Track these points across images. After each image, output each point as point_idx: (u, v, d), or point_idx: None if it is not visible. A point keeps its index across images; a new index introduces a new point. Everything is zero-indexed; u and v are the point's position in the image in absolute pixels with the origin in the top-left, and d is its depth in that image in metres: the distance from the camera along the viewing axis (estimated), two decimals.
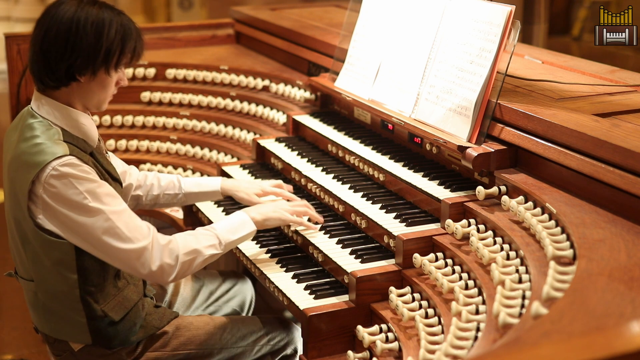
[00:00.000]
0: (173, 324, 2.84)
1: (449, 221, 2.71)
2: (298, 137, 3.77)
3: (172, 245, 2.62)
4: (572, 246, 2.23)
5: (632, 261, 2.06)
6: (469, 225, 2.69)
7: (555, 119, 2.62)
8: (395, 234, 2.76)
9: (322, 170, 3.34)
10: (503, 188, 2.72)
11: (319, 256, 2.91)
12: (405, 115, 3.17)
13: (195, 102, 4.32)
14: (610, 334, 1.50)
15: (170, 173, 4.01)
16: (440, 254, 2.68)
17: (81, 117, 2.60)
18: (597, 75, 3.26)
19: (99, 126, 4.27)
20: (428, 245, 2.73)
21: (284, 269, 2.91)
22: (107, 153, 2.82)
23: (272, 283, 2.84)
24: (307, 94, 3.93)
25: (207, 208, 3.45)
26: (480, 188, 2.74)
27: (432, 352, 2.28)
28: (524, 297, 2.15)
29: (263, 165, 3.70)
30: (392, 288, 2.66)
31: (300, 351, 2.76)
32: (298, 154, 3.54)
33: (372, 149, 3.33)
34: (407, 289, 2.66)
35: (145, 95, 4.40)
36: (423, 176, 3.03)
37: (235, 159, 3.99)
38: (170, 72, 4.45)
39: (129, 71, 4.36)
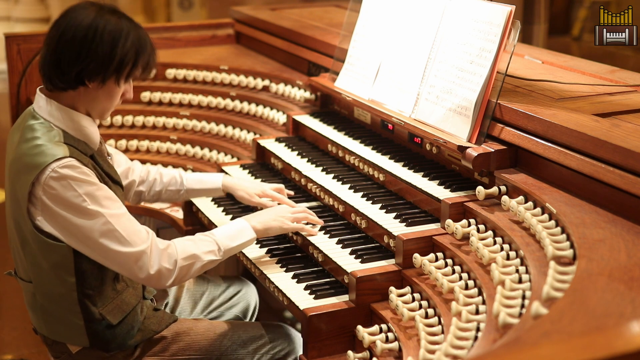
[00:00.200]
0: (172, 328, 2.82)
1: (449, 221, 2.71)
2: (298, 137, 3.77)
3: (170, 250, 2.61)
4: (572, 246, 2.23)
5: (632, 261, 2.06)
6: (469, 225, 2.69)
7: (555, 119, 2.62)
8: (395, 234, 2.76)
9: (322, 170, 3.34)
10: (503, 188, 2.72)
11: (319, 256, 2.91)
12: (405, 115, 3.17)
13: (195, 102, 4.32)
14: (610, 334, 1.50)
15: None
16: (440, 254, 2.68)
17: (83, 119, 2.60)
18: (597, 75, 3.26)
19: (99, 126, 4.26)
20: (428, 245, 2.73)
21: (284, 269, 2.91)
22: (109, 156, 2.81)
23: (272, 283, 2.84)
24: (307, 94, 3.93)
25: (207, 208, 3.45)
26: (480, 188, 2.74)
27: (432, 352, 2.28)
28: (524, 297, 2.15)
29: (263, 165, 3.70)
30: (392, 288, 2.66)
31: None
32: (298, 154, 3.54)
33: (372, 149, 3.33)
34: (407, 289, 2.66)
35: (145, 95, 4.40)
36: (423, 176, 3.03)
37: (235, 159, 3.99)
38: (170, 72, 4.45)
39: None
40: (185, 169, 4.12)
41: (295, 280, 2.84)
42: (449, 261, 2.65)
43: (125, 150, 4.26)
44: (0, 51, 5.69)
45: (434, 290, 2.57)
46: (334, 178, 3.26)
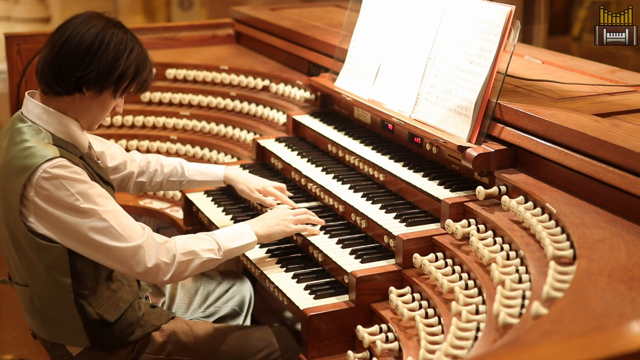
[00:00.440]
0: (171, 327, 2.82)
1: (449, 221, 2.71)
2: (298, 137, 3.77)
3: (168, 245, 2.62)
4: (572, 246, 2.23)
5: (632, 261, 2.06)
6: (469, 225, 2.69)
7: (555, 119, 2.62)
8: (395, 234, 2.76)
9: (322, 170, 3.34)
10: (503, 188, 2.72)
11: (319, 256, 2.91)
12: (405, 115, 3.17)
13: (195, 102, 4.32)
14: (610, 334, 1.50)
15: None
16: (440, 254, 2.68)
17: (72, 124, 2.60)
18: (597, 75, 3.26)
19: (100, 126, 4.26)
20: (428, 245, 2.73)
21: (284, 269, 2.91)
22: (98, 160, 2.82)
23: (272, 283, 2.84)
24: (307, 94, 3.93)
25: (207, 208, 3.45)
26: (480, 188, 2.74)
27: (432, 352, 2.28)
28: (524, 297, 2.15)
29: (263, 165, 3.70)
30: (392, 288, 2.66)
31: None
32: (298, 154, 3.54)
33: (372, 149, 3.33)
34: (407, 289, 2.66)
35: (145, 95, 4.40)
36: (423, 176, 3.03)
37: (235, 159, 3.99)
38: (170, 72, 4.45)
39: None
40: None
41: (295, 280, 2.84)
42: (449, 261, 2.65)
43: (125, 150, 4.25)
44: (0, 51, 5.68)
45: (434, 290, 2.57)
46: (334, 178, 3.26)
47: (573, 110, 2.74)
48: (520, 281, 2.26)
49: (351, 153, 3.34)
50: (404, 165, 3.14)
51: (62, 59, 2.52)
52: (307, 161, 3.46)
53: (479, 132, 2.85)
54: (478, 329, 2.23)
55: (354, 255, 2.82)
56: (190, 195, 3.56)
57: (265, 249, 3.03)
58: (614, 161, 2.38)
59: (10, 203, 2.52)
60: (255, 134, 4.03)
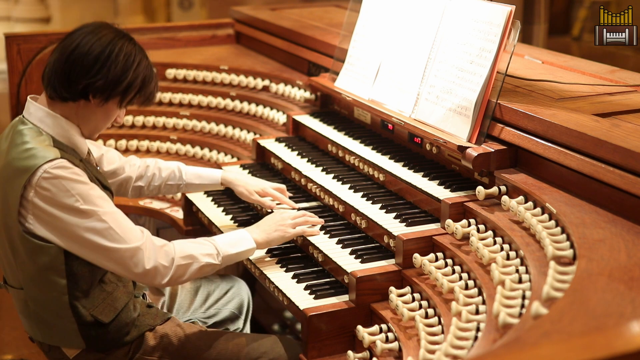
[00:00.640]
0: (165, 330, 2.80)
1: (449, 221, 2.71)
2: (298, 137, 3.77)
3: (167, 248, 2.62)
4: (572, 246, 2.23)
5: (632, 261, 2.06)
6: (469, 225, 2.69)
7: (555, 119, 2.62)
8: (395, 234, 2.76)
9: (322, 170, 3.34)
10: (503, 188, 2.72)
11: (319, 256, 2.91)
12: (405, 115, 3.17)
13: (195, 102, 4.33)
14: (610, 334, 1.50)
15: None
16: (440, 254, 2.68)
17: (73, 129, 2.61)
18: (597, 75, 3.26)
19: None
20: (428, 245, 2.73)
21: (284, 269, 2.91)
22: (97, 166, 2.82)
23: (272, 283, 2.83)
24: (307, 94, 3.93)
25: (207, 208, 3.45)
26: (480, 188, 2.74)
27: (432, 352, 2.28)
28: (524, 297, 2.15)
29: (263, 165, 3.70)
30: (392, 288, 2.66)
31: None
32: (298, 154, 3.54)
33: (372, 149, 3.33)
34: (407, 289, 2.66)
35: None
36: (423, 176, 3.03)
37: (235, 159, 3.99)
38: (170, 72, 4.45)
39: None
40: None
41: (295, 280, 2.84)
42: (449, 261, 2.65)
43: (125, 150, 4.26)
44: (0, 51, 5.68)
45: (434, 290, 2.57)
46: (334, 178, 3.26)
47: (573, 110, 2.74)
48: (520, 281, 2.26)
49: (351, 153, 3.34)
50: (404, 165, 3.14)
51: (72, 65, 2.54)
52: (307, 161, 3.46)
53: (479, 132, 2.85)
54: (478, 329, 2.23)
55: (354, 255, 2.82)
56: (190, 196, 3.56)
57: (265, 249, 3.03)
58: (614, 161, 2.38)
59: (9, 204, 2.51)
60: (255, 134, 4.03)
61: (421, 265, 2.65)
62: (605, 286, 1.91)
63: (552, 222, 2.43)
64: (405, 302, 2.58)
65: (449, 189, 2.88)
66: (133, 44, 2.63)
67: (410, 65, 3.22)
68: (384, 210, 2.95)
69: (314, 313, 2.63)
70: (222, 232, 3.20)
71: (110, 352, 2.71)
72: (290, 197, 3.26)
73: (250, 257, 2.98)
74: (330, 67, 3.79)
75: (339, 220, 3.10)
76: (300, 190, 3.37)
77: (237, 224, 3.28)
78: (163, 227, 4.15)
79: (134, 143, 4.27)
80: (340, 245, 2.90)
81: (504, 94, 2.89)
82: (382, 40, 3.43)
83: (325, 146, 3.56)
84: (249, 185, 3.22)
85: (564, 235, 2.32)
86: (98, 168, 2.81)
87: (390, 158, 3.22)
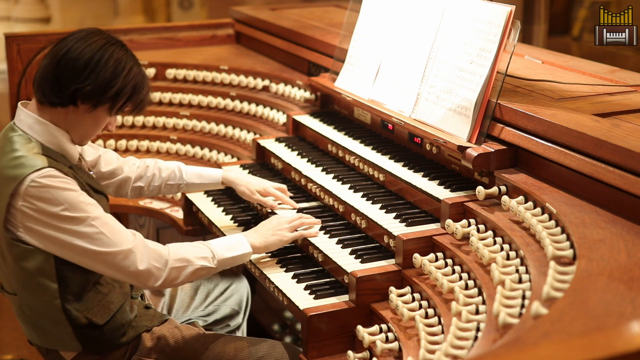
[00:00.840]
0: (162, 331, 2.80)
1: (449, 221, 2.71)
2: (298, 137, 3.77)
3: (161, 251, 2.60)
4: (572, 246, 2.23)
5: (632, 261, 2.06)
6: (469, 225, 2.69)
7: (555, 119, 2.62)
8: (395, 234, 2.76)
9: (322, 170, 3.34)
10: (503, 188, 2.72)
11: (319, 256, 2.91)
12: (405, 115, 3.17)
13: (195, 102, 4.33)
14: (610, 334, 1.50)
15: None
16: (440, 254, 2.68)
17: (62, 135, 2.60)
18: (597, 75, 3.26)
19: None
20: (428, 245, 2.73)
21: (284, 269, 2.91)
22: (90, 171, 2.81)
23: (272, 283, 2.83)
24: (307, 94, 3.93)
25: (207, 208, 3.45)
26: (480, 188, 2.74)
27: (432, 352, 2.28)
28: (524, 297, 2.15)
29: (263, 165, 3.70)
30: (392, 288, 2.66)
31: None
32: (298, 154, 3.54)
33: (372, 149, 3.33)
34: (407, 289, 2.66)
35: None
36: (423, 176, 3.03)
37: (235, 159, 3.99)
38: (170, 72, 4.45)
39: None
40: None
41: (295, 280, 2.84)
42: (449, 261, 2.65)
43: (126, 150, 4.26)
44: (0, 51, 5.68)
45: (434, 290, 2.57)
46: (334, 178, 3.26)
47: (573, 110, 2.74)
48: (520, 281, 2.26)
49: (351, 153, 3.34)
50: (404, 165, 3.14)
51: (61, 70, 2.53)
52: (307, 161, 3.46)
53: (479, 132, 2.85)
54: (478, 329, 2.23)
55: (354, 255, 2.82)
56: (190, 195, 3.56)
57: (264, 252, 3.03)
58: (614, 161, 2.38)
59: None
60: (255, 134, 4.03)
61: (421, 265, 2.65)
62: (605, 286, 1.91)
63: (552, 222, 2.43)
64: (405, 302, 2.58)
65: (449, 189, 2.88)
66: (125, 50, 2.61)
67: (410, 65, 3.22)
68: (384, 210, 2.95)
69: (314, 313, 2.63)
70: (222, 232, 3.21)
71: (107, 354, 2.71)
72: (290, 197, 3.26)
73: (251, 258, 2.98)
74: (330, 67, 3.79)
75: (339, 220, 3.10)
76: (300, 190, 3.37)
77: (237, 224, 3.28)
78: (163, 227, 4.15)
79: (134, 143, 4.27)
80: (340, 245, 2.90)
81: (504, 94, 2.89)
82: (382, 40, 3.43)
83: (325, 146, 3.56)
84: (250, 184, 3.21)
85: (564, 235, 2.32)
86: (91, 172, 2.80)
87: (390, 158, 3.22)
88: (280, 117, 3.94)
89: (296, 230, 2.93)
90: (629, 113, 2.75)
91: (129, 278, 2.56)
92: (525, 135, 2.72)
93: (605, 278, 1.96)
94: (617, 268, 2.01)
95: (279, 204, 3.20)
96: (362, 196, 3.08)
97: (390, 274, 2.71)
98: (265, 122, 4.07)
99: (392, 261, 2.77)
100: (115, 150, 4.24)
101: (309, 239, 2.96)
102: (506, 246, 2.52)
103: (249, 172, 3.59)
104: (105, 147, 4.22)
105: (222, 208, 3.41)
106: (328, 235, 2.98)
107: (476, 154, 2.75)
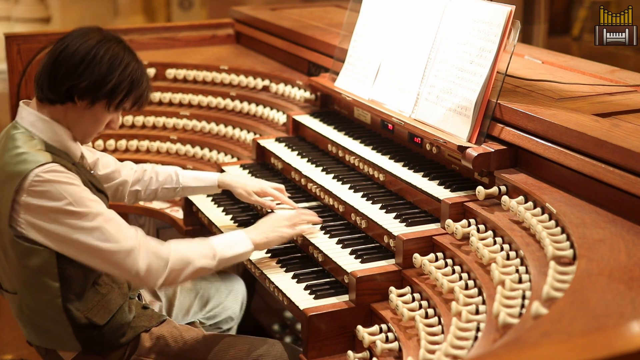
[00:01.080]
0: (161, 331, 2.80)
1: (449, 221, 2.71)
2: (298, 137, 3.77)
3: (163, 249, 2.59)
4: (572, 246, 2.23)
5: (632, 261, 2.06)
6: (469, 225, 2.69)
7: (555, 119, 2.62)
8: (395, 234, 2.76)
9: (322, 170, 3.34)
10: (503, 188, 2.72)
11: (319, 256, 2.91)
12: (405, 115, 3.17)
13: (195, 102, 4.32)
14: (610, 334, 1.50)
15: None
16: (440, 254, 2.68)
17: (64, 133, 2.60)
18: (597, 75, 3.26)
19: None
20: (428, 245, 2.73)
21: (284, 269, 2.91)
22: (91, 171, 2.81)
23: (272, 283, 2.83)
24: (307, 94, 3.93)
25: (207, 208, 3.45)
26: (480, 188, 2.74)
27: (432, 352, 2.28)
28: (524, 297, 2.15)
29: (263, 165, 3.70)
30: (392, 288, 2.66)
31: None
32: (298, 154, 3.54)
33: (372, 149, 3.33)
34: (407, 289, 2.66)
35: None
36: (423, 176, 3.03)
37: (235, 159, 3.99)
38: (170, 72, 4.45)
39: None
40: (185, 169, 4.12)
41: (295, 280, 2.84)
42: (449, 261, 2.65)
43: (125, 150, 4.26)
44: (0, 51, 5.69)
45: (434, 290, 2.57)
46: (334, 178, 3.26)
47: (573, 110, 2.74)
48: (520, 281, 2.26)
49: (351, 153, 3.34)
50: (404, 165, 3.14)
51: (58, 67, 2.54)
52: (307, 161, 3.46)
53: (479, 132, 2.85)
54: (478, 329, 2.23)
55: (354, 255, 2.82)
56: (190, 196, 3.56)
57: (265, 249, 3.03)
58: (614, 161, 2.38)
59: (0, 209, 2.50)
60: (255, 134, 4.03)
61: (421, 265, 2.65)
62: (605, 286, 1.91)
63: (552, 222, 2.43)
64: (405, 302, 2.58)
65: (449, 189, 2.88)
66: (122, 46, 2.60)
67: (410, 65, 3.22)
68: (384, 210, 2.95)
69: (314, 313, 2.63)
70: (222, 232, 3.21)
71: (106, 354, 2.70)
72: (290, 197, 3.25)
73: (251, 258, 2.98)
74: (330, 67, 3.79)
75: (339, 220, 3.10)
76: (300, 190, 3.37)
77: (237, 224, 3.28)
78: (163, 227, 4.14)
79: (134, 143, 4.27)
80: (340, 245, 2.90)
81: (504, 94, 2.89)
82: (382, 40, 3.43)
83: (325, 146, 3.56)
84: (247, 186, 3.21)
85: (564, 235, 2.32)
86: (92, 172, 2.80)
87: (390, 158, 3.22)
88: (280, 117, 3.94)
89: (296, 227, 2.93)
90: (629, 113, 2.75)
91: (128, 276, 2.56)
92: (525, 135, 2.72)
93: (605, 278, 1.96)
94: (617, 268, 2.01)
95: (278, 204, 3.20)
96: (362, 196, 3.08)
97: (390, 274, 2.71)
98: (265, 122, 4.07)
99: (392, 261, 2.77)
100: (116, 150, 4.24)
101: (309, 238, 2.96)
102: (506, 246, 2.52)
103: (249, 172, 3.59)
104: (105, 147, 4.22)
105: (222, 208, 3.41)
106: (328, 235, 2.98)
107: (476, 154, 2.75)
